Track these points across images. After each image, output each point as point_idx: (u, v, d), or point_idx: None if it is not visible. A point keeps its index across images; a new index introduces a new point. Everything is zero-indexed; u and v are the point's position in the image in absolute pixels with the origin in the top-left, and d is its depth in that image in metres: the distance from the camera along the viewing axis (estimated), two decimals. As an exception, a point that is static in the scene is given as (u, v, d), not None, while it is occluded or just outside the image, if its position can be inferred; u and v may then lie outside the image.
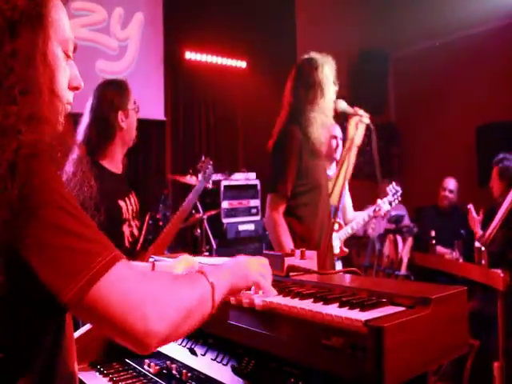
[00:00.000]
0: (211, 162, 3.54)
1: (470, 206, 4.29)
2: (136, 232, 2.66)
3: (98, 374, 1.72)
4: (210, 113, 6.84)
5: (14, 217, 0.91)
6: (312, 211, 2.93)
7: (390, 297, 1.23)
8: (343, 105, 2.93)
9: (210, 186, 3.41)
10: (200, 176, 3.40)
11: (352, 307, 1.18)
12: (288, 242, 2.81)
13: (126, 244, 2.58)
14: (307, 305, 1.23)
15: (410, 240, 5.45)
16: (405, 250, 5.45)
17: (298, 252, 1.58)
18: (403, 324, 1.09)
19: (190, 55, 6.55)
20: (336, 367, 1.14)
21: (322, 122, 2.89)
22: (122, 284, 0.96)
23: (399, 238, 5.47)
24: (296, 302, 1.26)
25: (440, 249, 5.22)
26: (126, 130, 2.59)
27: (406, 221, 5.93)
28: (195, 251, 4.41)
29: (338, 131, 4.54)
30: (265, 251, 1.63)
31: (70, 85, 1.18)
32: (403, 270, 5.24)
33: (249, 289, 1.34)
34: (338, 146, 4.27)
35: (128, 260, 1.02)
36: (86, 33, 5.62)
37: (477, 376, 3.53)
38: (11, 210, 0.91)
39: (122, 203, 2.57)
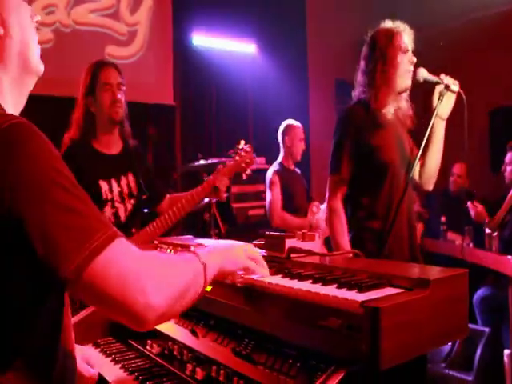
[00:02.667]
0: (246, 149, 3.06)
1: (469, 204, 4.26)
2: (123, 215, 2.65)
3: (101, 354, 1.74)
4: (220, 97, 6.80)
5: (12, 193, 0.91)
6: (376, 197, 2.56)
7: (389, 278, 1.23)
8: (424, 73, 2.52)
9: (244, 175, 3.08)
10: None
11: (350, 288, 1.17)
12: (345, 241, 2.50)
13: None
14: (306, 286, 1.23)
15: (420, 226, 5.41)
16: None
17: (299, 233, 1.58)
18: (400, 305, 1.09)
19: (199, 40, 6.52)
20: (333, 348, 1.15)
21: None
22: (120, 260, 0.97)
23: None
24: (294, 283, 1.27)
25: (451, 235, 5.18)
26: (100, 112, 2.65)
27: (417, 207, 5.88)
28: (204, 235, 4.41)
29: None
30: (266, 232, 1.63)
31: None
32: (413, 256, 5.21)
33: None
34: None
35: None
36: (95, 18, 5.60)
37: (487, 364, 3.52)
38: (5, 184, 0.91)
39: (102, 183, 2.59)
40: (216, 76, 6.62)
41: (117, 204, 2.63)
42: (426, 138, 2.54)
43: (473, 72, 6.18)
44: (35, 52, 1.18)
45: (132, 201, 2.70)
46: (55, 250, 0.92)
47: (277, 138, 6.07)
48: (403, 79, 2.59)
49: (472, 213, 4.39)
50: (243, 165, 2.95)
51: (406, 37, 2.64)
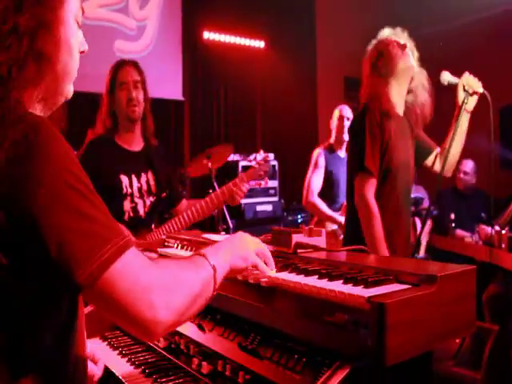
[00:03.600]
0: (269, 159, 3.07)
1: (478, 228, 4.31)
2: (142, 210, 2.69)
3: (108, 347, 1.75)
4: (229, 93, 6.81)
5: (28, 195, 0.91)
6: (388, 198, 2.59)
7: (396, 274, 1.22)
8: (447, 76, 2.60)
9: (263, 183, 3.11)
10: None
11: (356, 284, 1.17)
12: (384, 248, 2.42)
13: (126, 218, 2.64)
14: (312, 281, 1.23)
15: (428, 223, 5.38)
16: (423, 232, 5.40)
17: (306, 229, 1.57)
18: (407, 301, 1.08)
19: (208, 35, 6.52)
20: (339, 343, 1.15)
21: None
22: (131, 271, 0.97)
23: (418, 221, 5.41)
24: (301, 279, 1.26)
25: (459, 232, 5.16)
26: (119, 110, 2.72)
27: (426, 203, 5.86)
28: (212, 231, 4.42)
29: (347, 111, 4.44)
30: (273, 227, 1.63)
31: (79, 49, 1.17)
32: (422, 253, 5.19)
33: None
34: (343, 127, 4.28)
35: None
36: (105, 13, 5.62)
37: (496, 362, 3.49)
38: (23, 187, 0.91)
39: (123, 178, 2.65)
40: (225, 71, 6.63)
41: (136, 199, 2.68)
42: (455, 130, 2.63)
43: (483, 69, 6.14)
44: (72, 77, 1.15)
45: (151, 198, 2.74)
46: (69, 256, 0.91)
47: (285, 134, 6.08)
48: (407, 73, 2.68)
49: (482, 235, 4.38)
50: (261, 173, 2.98)
51: (402, 40, 2.73)
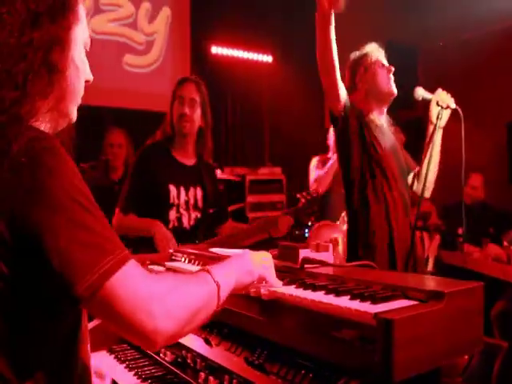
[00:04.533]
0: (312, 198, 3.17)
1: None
2: (186, 222, 2.73)
3: (115, 360, 1.75)
4: (237, 107, 6.85)
5: (30, 206, 0.93)
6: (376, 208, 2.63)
7: (404, 290, 1.22)
8: (421, 92, 2.69)
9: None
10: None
11: (363, 300, 1.17)
12: None
13: (170, 227, 2.67)
14: (319, 296, 1.23)
15: (436, 238, 5.36)
16: (431, 247, 5.37)
17: (313, 244, 1.58)
18: (414, 317, 1.08)
19: (216, 49, 6.57)
20: (346, 359, 1.14)
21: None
22: (131, 282, 0.99)
23: (425, 236, 5.39)
24: (308, 294, 1.27)
25: (468, 247, 5.13)
26: (173, 124, 2.81)
27: (434, 218, 5.84)
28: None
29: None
30: (280, 242, 1.63)
31: (85, 78, 1.21)
32: (429, 268, 5.16)
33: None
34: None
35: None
36: (114, 27, 5.68)
37: (505, 378, 3.46)
38: (25, 198, 0.93)
39: (172, 188, 2.70)
40: (233, 86, 6.67)
41: (182, 210, 2.73)
42: (429, 149, 2.66)
43: (491, 84, 6.15)
44: (77, 99, 1.18)
45: (197, 213, 2.78)
46: (70, 267, 0.93)
47: (292, 148, 6.08)
48: (383, 87, 2.75)
49: (490, 252, 4.37)
50: (309, 210, 3.01)
51: (379, 54, 2.81)
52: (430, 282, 1.40)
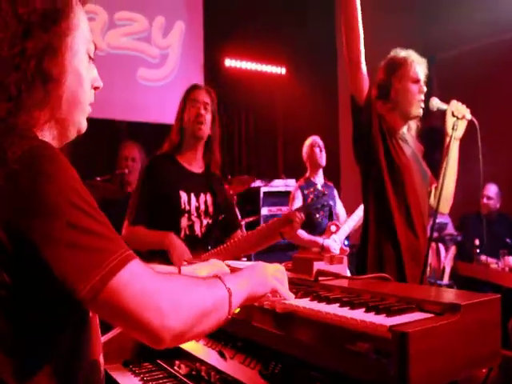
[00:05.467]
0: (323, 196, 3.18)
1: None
2: (198, 229, 2.71)
3: (130, 373, 1.75)
4: (250, 119, 6.87)
5: (28, 213, 0.93)
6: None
7: (419, 303, 1.21)
8: (436, 102, 2.62)
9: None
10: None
11: (378, 312, 1.16)
12: None
13: (182, 236, 2.65)
14: (333, 309, 1.23)
15: (453, 249, 5.31)
16: (447, 258, 5.32)
17: (327, 256, 1.57)
18: (430, 330, 1.07)
19: (229, 62, 6.61)
20: (361, 372, 1.13)
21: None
22: (136, 281, 0.98)
23: (441, 247, 5.34)
24: (322, 307, 1.26)
25: (484, 258, 5.07)
26: (187, 126, 2.80)
27: (450, 229, 5.79)
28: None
29: (319, 140, 4.72)
30: (294, 255, 1.63)
31: (92, 85, 1.21)
32: (446, 280, 5.12)
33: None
34: (321, 152, 4.61)
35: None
36: (128, 42, 5.75)
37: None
38: (24, 206, 0.93)
39: (183, 194, 2.69)
40: (246, 98, 6.69)
41: (193, 218, 2.71)
42: (445, 161, 2.58)
43: (506, 92, 6.11)
44: (83, 108, 1.18)
45: (208, 219, 2.76)
46: (71, 271, 0.93)
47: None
48: (411, 106, 2.66)
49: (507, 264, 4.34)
50: (318, 206, 3.05)
51: (418, 67, 2.69)
52: (446, 295, 1.39)
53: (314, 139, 4.76)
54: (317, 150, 4.66)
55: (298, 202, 4.35)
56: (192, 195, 2.72)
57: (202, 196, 2.76)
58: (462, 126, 2.63)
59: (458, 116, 2.58)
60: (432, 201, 2.77)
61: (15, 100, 1.02)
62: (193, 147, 2.82)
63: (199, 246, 2.66)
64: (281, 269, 1.37)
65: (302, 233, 4.19)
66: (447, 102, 2.65)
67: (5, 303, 0.98)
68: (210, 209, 2.78)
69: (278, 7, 6.59)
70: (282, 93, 7.02)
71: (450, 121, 2.61)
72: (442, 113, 2.65)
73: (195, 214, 2.71)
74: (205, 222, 2.74)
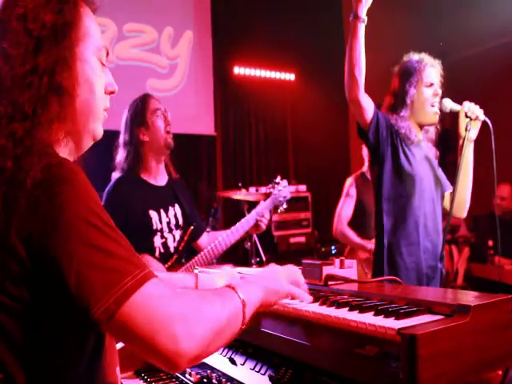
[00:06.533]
0: (283, 184, 3.11)
1: None
2: (171, 245, 2.69)
3: (142, 382, 1.75)
4: (260, 126, 6.89)
5: (47, 232, 0.94)
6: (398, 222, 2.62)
7: (428, 305, 1.20)
8: (449, 103, 2.59)
9: (281, 209, 3.13)
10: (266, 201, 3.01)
11: (387, 315, 1.15)
12: None
13: (157, 255, 2.63)
14: (342, 313, 1.22)
15: (466, 250, 5.27)
16: (461, 260, 5.28)
17: (337, 261, 1.57)
18: (439, 332, 1.06)
19: (238, 70, 6.64)
20: (370, 376, 1.12)
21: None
22: (150, 303, 0.96)
23: (454, 248, 5.30)
24: (331, 311, 1.25)
25: (499, 259, 5.02)
26: (151, 141, 2.69)
27: (463, 230, 5.74)
28: (245, 264, 4.43)
29: None
30: (303, 260, 1.62)
31: (106, 90, 1.22)
32: (459, 282, 5.07)
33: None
34: None
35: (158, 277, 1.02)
36: (137, 53, 5.80)
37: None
38: (42, 227, 0.94)
39: (152, 213, 2.64)
40: (256, 105, 6.72)
41: (166, 234, 2.68)
42: (459, 164, 2.55)
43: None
44: (98, 116, 1.19)
45: (179, 231, 2.74)
46: (87, 290, 0.93)
47: (317, 165, 6.03)
48: (427, 112, 2.66)
49: None
50: (280, 199, 3.01)
51: (432, 70, 2.69)
52: (456, 296, 1.38)
53: None
54: None
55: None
56: (162, 211, 2.67)
57: (171, 209, 2.73)
58: (475, 127, 2.59)
59: (471, 117, 2.55)
60: (447, 204, 2.74)
61: (31, 119, 1.03)
62: (159, 160, 2.74)
63: (173, 261, 2.66)
64: (294, 270, 1.36)
65: (352, 235, 4.13)
66: (459, 103, 2.63)
67: (22, 317, 0.98)
68: (180, 220, 2.75)
69: (286, 14, 6.62)
70: (292, 99, 7.04)
71: (463, 122, 2.58)
72: (455, 115, 2.62)
73: (167, 230, 2.67)
74: (177, 235, 2.72)
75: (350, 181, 4.38)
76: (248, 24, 6.44)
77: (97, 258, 0.94)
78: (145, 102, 2.73)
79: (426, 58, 2.74)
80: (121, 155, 2.71)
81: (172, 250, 2.69)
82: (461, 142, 2.58)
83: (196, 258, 2.73)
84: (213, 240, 2.79)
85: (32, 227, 0.95)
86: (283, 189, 3.00)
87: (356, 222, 4.20)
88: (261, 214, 2.85)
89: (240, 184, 4.71)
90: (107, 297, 0.93)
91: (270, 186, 3.04)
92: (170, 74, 6.06)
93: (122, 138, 2.73)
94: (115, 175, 2.72)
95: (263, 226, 2.87)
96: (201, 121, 6.25)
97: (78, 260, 0.93)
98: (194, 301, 1.05)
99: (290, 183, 6.30)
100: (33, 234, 0.94)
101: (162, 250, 2.65)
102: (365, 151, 4.44)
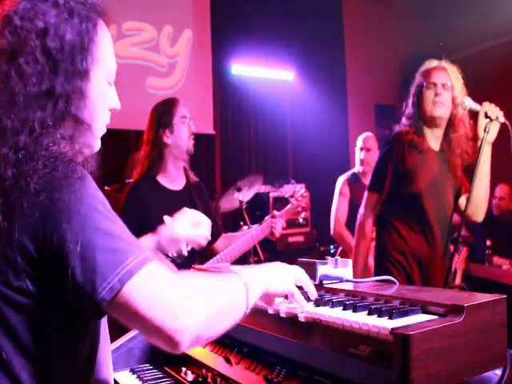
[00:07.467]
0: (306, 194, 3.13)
1: None
2: (185, 251, 2.67)
3: (137, 380, 1.76)
4: (259, 125, 6.88)
5: (50, 216, 0.96)
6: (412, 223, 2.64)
7: (422, 305, 1.21)
8: (469, 102, 2.57)
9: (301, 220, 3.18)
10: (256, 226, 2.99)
11: (380, 315, 1.16)
12: (362, 250, 2.70)
13: (169, 260, 2.61)
14: (336, 313, 1.22)
15: (464, 250, 5.27)
16: (459, 260, 5.28)
17: (332, 260, 1.57)
18: (432, 332, 1.06)
19: (237, 69, 6.64)
20: (364, 376, 1.13)
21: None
22: (153, 283, 0.99)
23: (453, 248, 5.30)
24: (325, 310, 1.26)
25: (497, 259, 5.03)
26: (173, 145, 2.72)
27: (462, 230, 5.73)
28: (243, 263, 4.42)
29: (367, 142, 4.49)
30: (299, 259, 1.63)
31: (110, 107, 1.22)
32: (458, 281, 5.07)
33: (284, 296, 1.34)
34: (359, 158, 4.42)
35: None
36: (136, 51, 5.79)
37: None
38: (46, 210, 0.96)
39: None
40: (255, 104, 6.71)
41: None
42: (476, 165, 2.52)
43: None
44: (100, 133, 1.21)
45: None
46: (91, 271, 0.95)
47: (316, 164, 6.03)
48: (429, 109, 2.67)
49: None
50: (299, 209, 3.01)
51: (436, 72, 2.69)
52: (450, 296, 1.38)
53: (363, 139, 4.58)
54: None
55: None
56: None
57: None
58: (494, 129, 2.54)
59: (491, 117, 2.50)
60: (463, 209, 2.68)
61: (38, 134, 1.03)
62: (177, 165, 2.76)
63: (186, 265, 2.65)
64: (301, 270, 1.36)
65: (350, 239, 4.11)
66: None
67: (26, 310, 1.00)
68: None
69: (285, 13, 6.61)
70: (291, 97, 7.03)
71: (482, 122, 2.53)
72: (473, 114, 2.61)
73: None
74: None
75: (342, 179, 4.41)
76: (247, 23, 6.44)
77: (101, 240, 0.97)
78: (174, 105, 2.78)
79: (433, 62, 2.77)
80: (143, 151, 2.76)
81: (185, 254, 2.68)
82: (479, 143, 2.53)
83: (212, 260, 2.71)
84: (229, 243, 2.77)
85: (37, 215, 0.96)
86: (302, 199, 3.01)
87: (351, 223, 4.21)
88: (276, 223, 2.83)
89: (239, 184, 4.70)
90: (113, 275, 0.95)
91: (288, 194, 3.05)
92: (169, 72, 6.05)
93: (145, 135, 2.77)
94: (135, 173, 2.75)
95: (277, 234, 2.85)
96: (200, 119, 6.22)
97: (82, 243, 0.95)
98: (197, 281, 1.08)
99: (288, 183, 6.32)
100: (38, 221, 0.96)
101: (175, 254, 2.64)
102: (358, 152, 4.48)
